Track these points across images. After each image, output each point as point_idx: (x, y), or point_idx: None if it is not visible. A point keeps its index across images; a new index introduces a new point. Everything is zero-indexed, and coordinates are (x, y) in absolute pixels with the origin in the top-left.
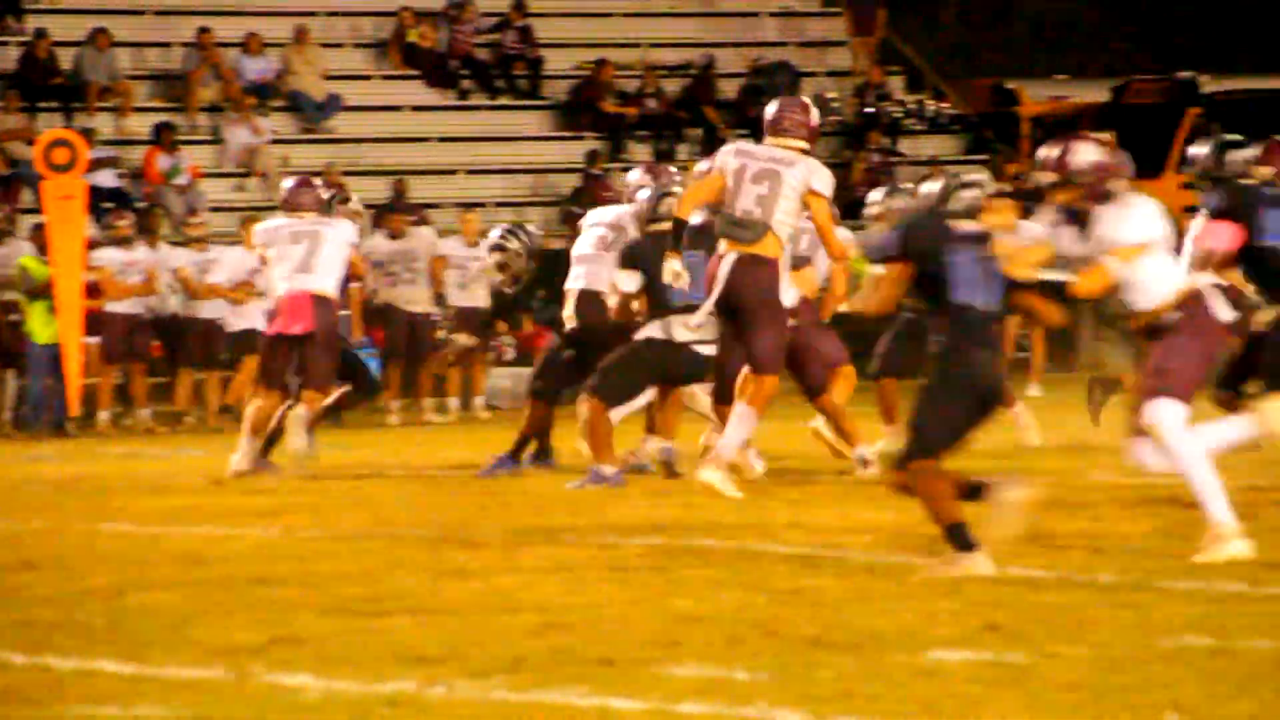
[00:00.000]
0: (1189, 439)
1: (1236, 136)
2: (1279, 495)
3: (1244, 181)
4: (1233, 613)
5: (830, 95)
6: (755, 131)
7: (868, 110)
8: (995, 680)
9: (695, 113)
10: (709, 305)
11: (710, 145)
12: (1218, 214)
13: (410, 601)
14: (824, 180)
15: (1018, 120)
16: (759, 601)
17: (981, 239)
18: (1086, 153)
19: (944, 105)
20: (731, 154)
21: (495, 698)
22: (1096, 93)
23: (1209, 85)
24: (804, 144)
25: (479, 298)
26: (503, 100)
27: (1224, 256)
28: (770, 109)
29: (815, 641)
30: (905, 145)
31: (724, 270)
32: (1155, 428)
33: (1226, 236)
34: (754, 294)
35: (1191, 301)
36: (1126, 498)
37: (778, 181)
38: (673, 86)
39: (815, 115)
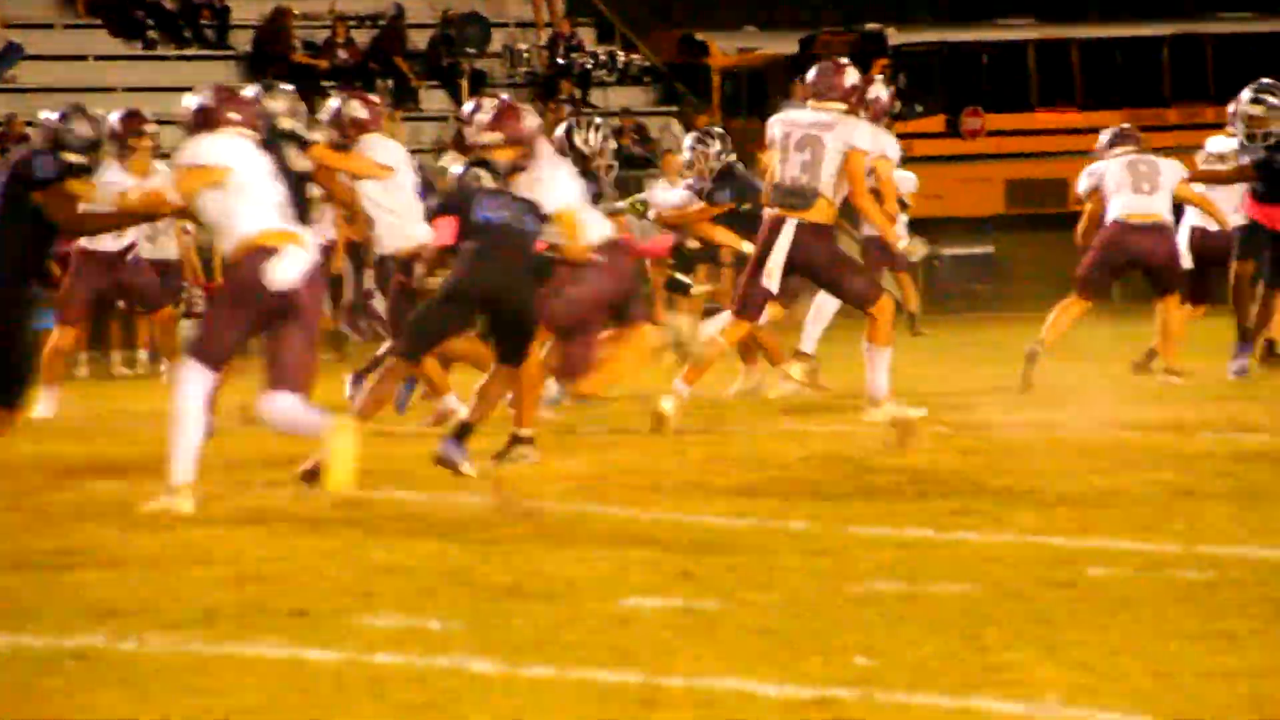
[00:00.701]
0: None
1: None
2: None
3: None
4: (920, 558)
5: (521, 47)
6: (447, 82)
7: (559, 62)
8: (688, 628)
9: (386, 63)
10: (776, 268)
11: (401, 96)
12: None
13: (100, 555)
14: (864, 136)
15: (708, 72)
16: (453, 551)
17: None
18: (528, 117)
19: (634, 57)
20: (777, 124)
21: (188, 650)
22: (785, 45)
23: (895, 37)
24: (841, 105)
25: (169, 250)
26: (190, 50)
27: None
28: (810, 73)
29: (510, 590)
30: (596, 97)
31: (784, 239)
32: None
33: None
34: (823, 258)
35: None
36: (816, 448)
37: (819, 145)
38: (363, 37)
39: (851, 75)
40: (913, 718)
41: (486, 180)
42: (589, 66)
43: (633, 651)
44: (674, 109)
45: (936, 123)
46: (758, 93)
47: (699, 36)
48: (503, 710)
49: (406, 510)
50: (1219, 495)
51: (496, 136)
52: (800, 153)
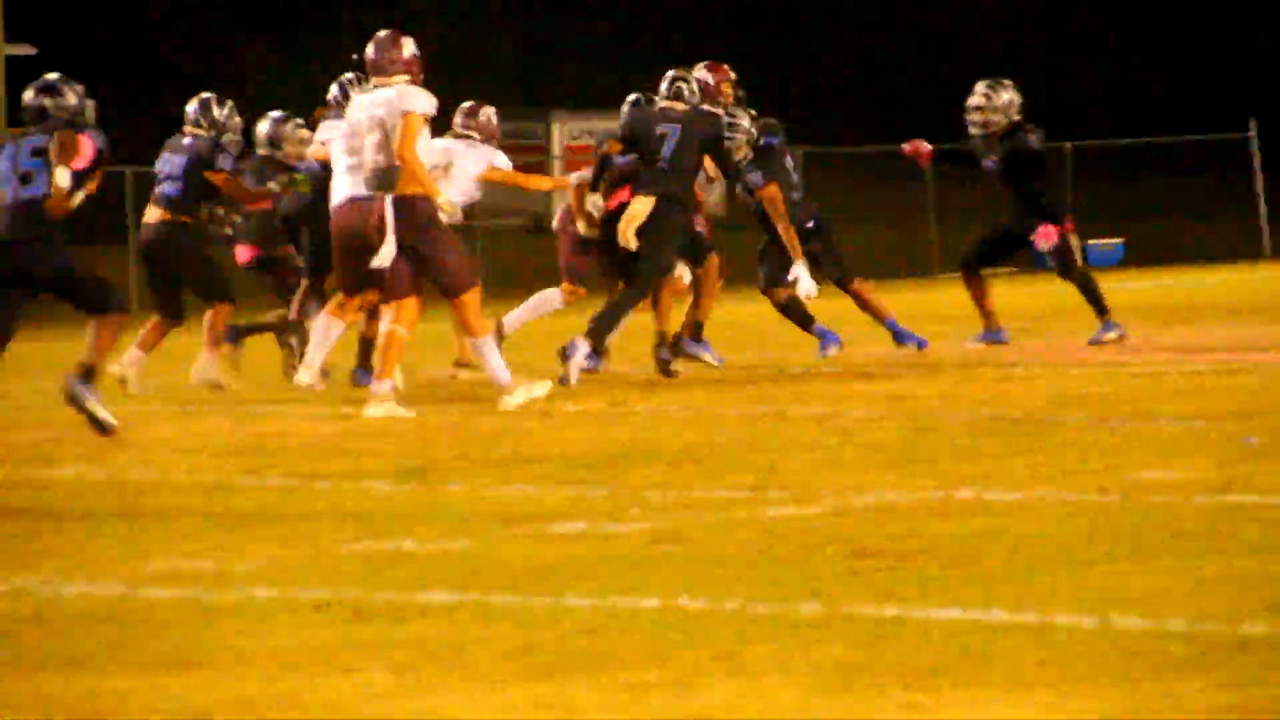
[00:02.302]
0: None
1: None
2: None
3: None
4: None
5: None
6: None
7: None
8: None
9: None
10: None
11: None
12: None
13: None
14: (422, 102)
15: None
16: None
17: None
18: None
19: None
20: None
21: None
22: None
23: None
24: (404, 76)
25: None
26: None
27: None
28: (369, 50)
29: None
30: None
31: (388, 219)
32: None
33: None
34: (421, 234)
35: None
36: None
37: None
38: None
39: (410, 47)
40: None
41: None
42: None
43: None
44: None
45: None
46: None
47: None
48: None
49: None
50: None
51: None
52: (373, 133)
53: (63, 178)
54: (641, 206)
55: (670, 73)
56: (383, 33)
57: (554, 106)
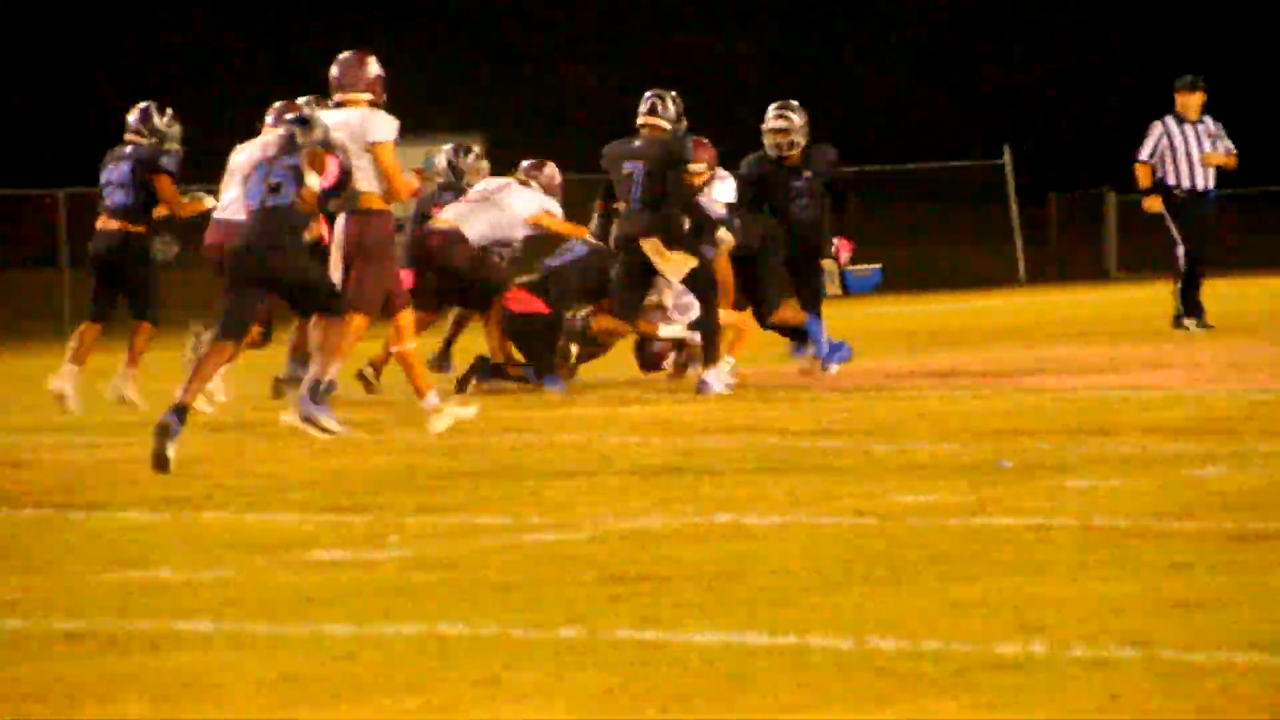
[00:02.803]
0: None
1: None
2: None
3: None
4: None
5: None
6: None
7: None
8: None
9: None
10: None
11: None
12: None
13: None
14: (387, 129)
15: None
16: None
17: None
18: None
19: None
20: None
21: None
22: None
23: None
24: (365, 95)
25: None
26: None
27: None
28: (333, 69)
29: None
30: None
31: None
32: None
33: None
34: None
35: None
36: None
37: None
38: None
39: (374, 67)
40: None
41: None
42: None
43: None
44: None
45: None
46: None
47: None
48: None
49: None
50: None
51: None
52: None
53: (313, 181)
54: (649, 247)
55: (648, 92)
56: (347, 52)
57: None
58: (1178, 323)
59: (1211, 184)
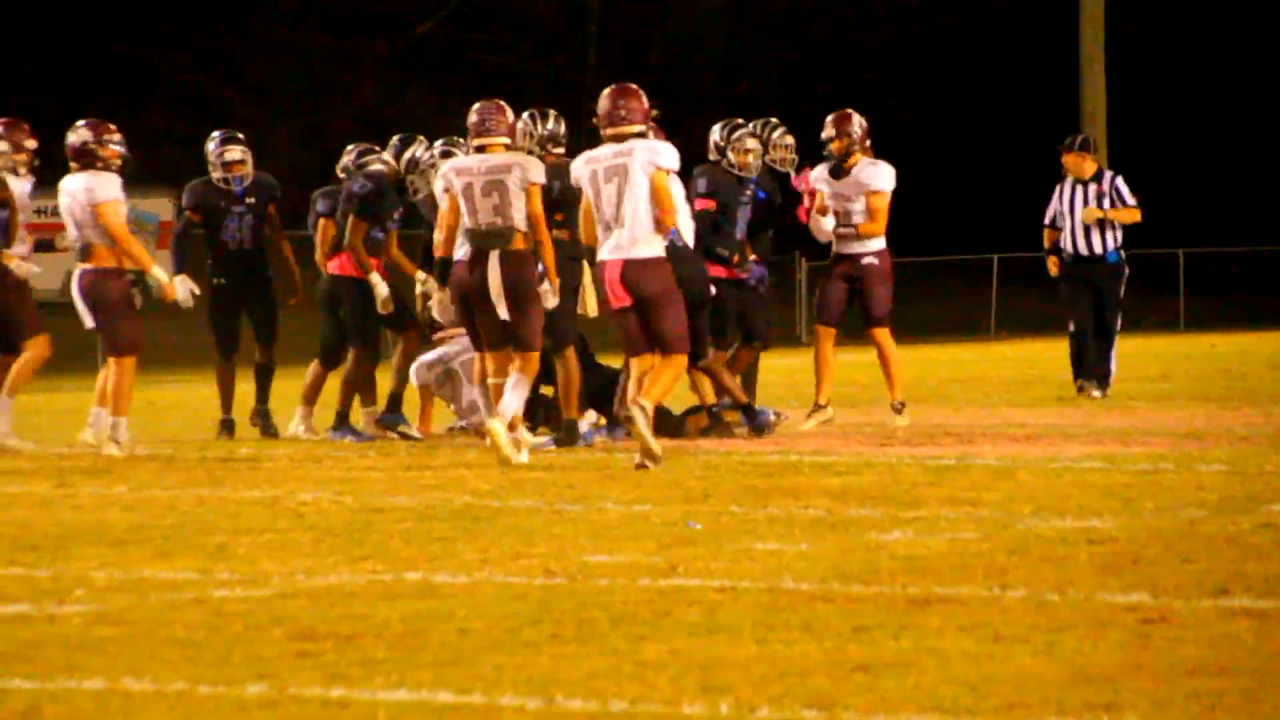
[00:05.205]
0: None
1: None
2: None
3: None
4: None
5: None
6: None
7: None
8: None
9: None
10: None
11: None
12: None
13: None
14: (539, 172)
15: None
16: None
17: None
18: None
19: None
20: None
21: None
22: None
23: None
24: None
25: None
26: None
27: None
28: (473, 115)
29: None
30: None
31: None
32: None
33: None
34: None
35: None
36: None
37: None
38: None
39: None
40: None
41: None
42: None
43: None
44: None
45: None
46: None
47: None
48: None
49: None
50: None
51: None
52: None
53: None
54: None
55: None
56: (485, 102)
57: None
58: (1080, 389)
59: (1110, 245)
